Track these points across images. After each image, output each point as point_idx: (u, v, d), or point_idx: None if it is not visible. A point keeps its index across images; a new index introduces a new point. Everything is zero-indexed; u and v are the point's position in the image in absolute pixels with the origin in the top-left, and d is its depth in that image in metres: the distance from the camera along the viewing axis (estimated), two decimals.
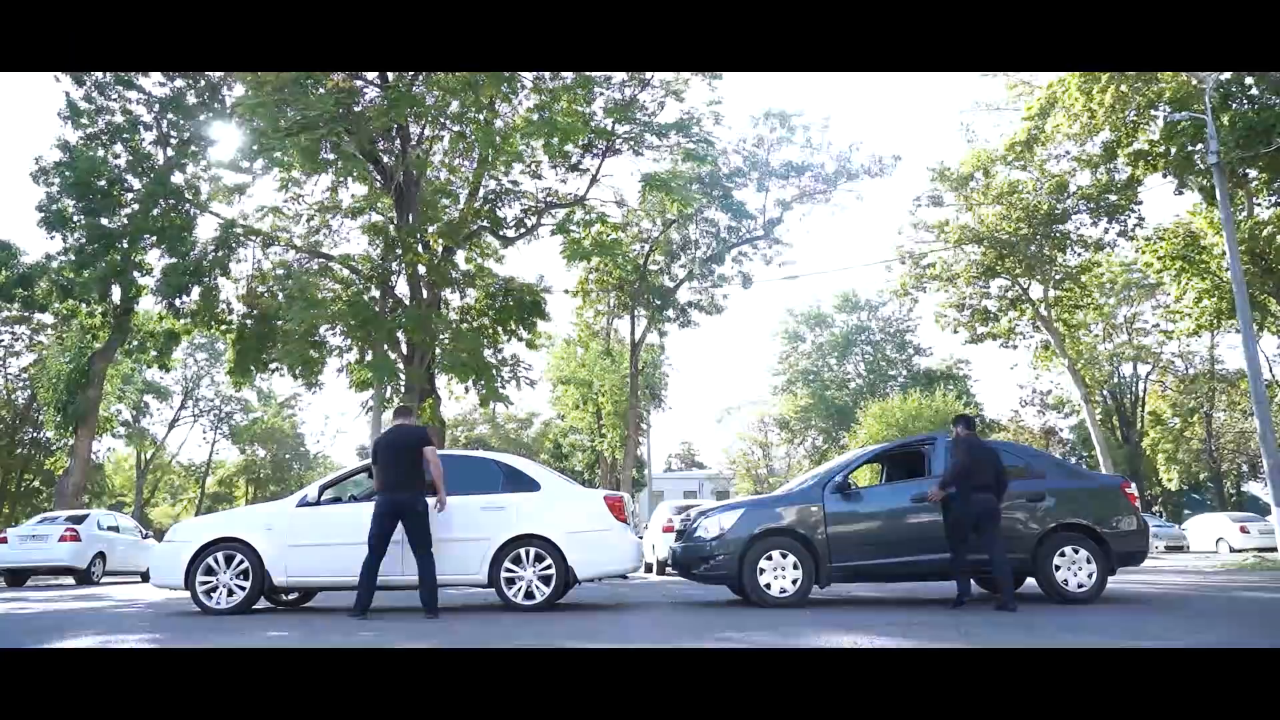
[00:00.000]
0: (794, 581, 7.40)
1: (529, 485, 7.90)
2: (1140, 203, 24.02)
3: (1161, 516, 42.97)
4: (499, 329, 22.31)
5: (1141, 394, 46.62)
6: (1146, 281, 36.64)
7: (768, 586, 7.38)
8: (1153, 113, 21.52)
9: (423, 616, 6.97)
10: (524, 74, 19.30)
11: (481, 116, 19.55)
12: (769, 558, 7.42)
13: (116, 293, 22.98)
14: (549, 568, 7.50)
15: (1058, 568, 7.48)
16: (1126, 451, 44.12)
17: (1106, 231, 25.12)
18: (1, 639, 5.78)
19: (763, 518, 7.63)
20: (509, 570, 7.52)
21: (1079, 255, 26.65)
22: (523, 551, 7.54)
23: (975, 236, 25.92)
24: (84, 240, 21.76)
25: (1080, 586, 7.43)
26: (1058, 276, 26.96)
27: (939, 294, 28.89)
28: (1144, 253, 24.57)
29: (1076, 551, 7.50)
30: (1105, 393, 46.22)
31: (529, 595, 7.46)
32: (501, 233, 22.70)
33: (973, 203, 25.92)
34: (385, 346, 20.24)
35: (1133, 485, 8.25)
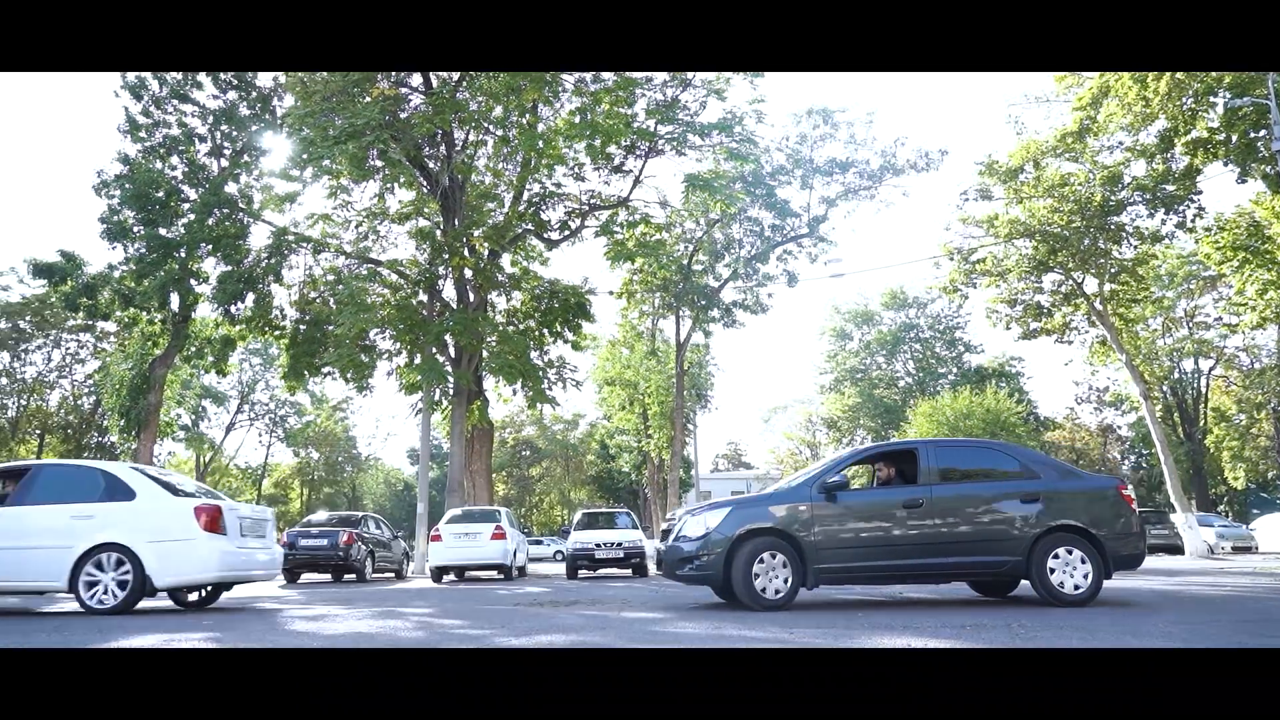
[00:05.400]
0: (785, 581, 7.16)
1: (125, 495, 8.11)
2: (1200, 192, 23.22)
3: (1227, 516, 41.59)
4: (545, 331, 22.49)
5: (1204, 389, 45.14)
6: (1207, 273, 35.48)
7: (762, 590, 7.12)
8: (1211, 99, 20.81)
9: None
10: (565, 77, 19.44)
11: (524, 120, 19.73)
12: (761, 560, 7.17)
13: (175, 300, 23.66)
14: (127, 573, 7.78)
15: (1052, 570, 7.23)
16: (1188, 449, 42.77)
17: (1164, 223, 24.35)
18: (72, 638, 5.99)
19: (750, 517, 7.37)
20: (90, 575, 7.84)
21: (1135, 248, 25.88)
22: (104, 558, 7.85)
23: (1026, 230, 25.33)
24: (144, 250, 22.43)
25: (1076, 589, 7.16)
26: (1113, 270, 26.20)
27: (989, 290, 28.31)
28: (1204, 244, 23.79)
29: (1071, 553, 7.26)
30: (1165, 389, 44.86)
31: (105, 600, 7.76)
32: (546, 235, 22.86)
33: (1023, 196, 25.36)
34: (433, 350, 20.53)
35: (1129, 487, 7.93)
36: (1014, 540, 7.29)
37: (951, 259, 27.64)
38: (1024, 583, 8.44)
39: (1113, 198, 24.12)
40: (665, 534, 8.16)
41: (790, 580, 7.16)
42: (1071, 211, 24.42)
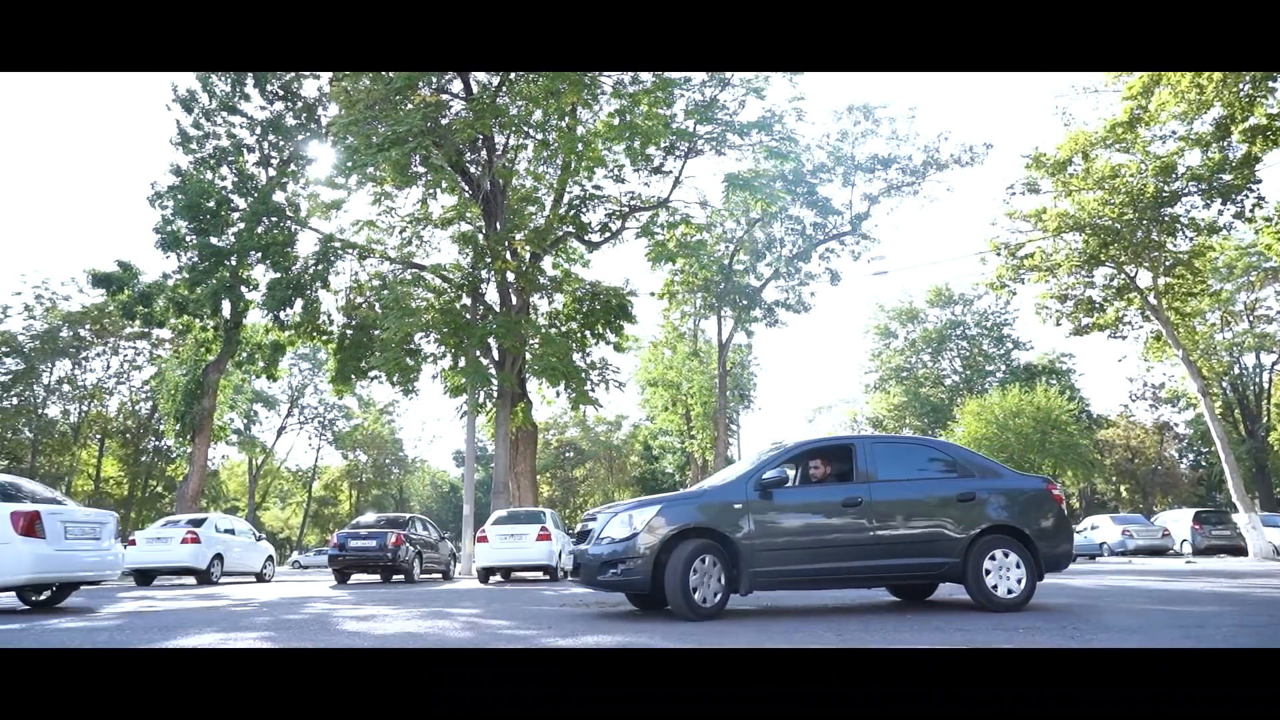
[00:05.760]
0: (720, 586, 6.59)
1: None
2: (1259, 181, 22.45)
3: None
4: (587, 333, 22.59)
5: (1266, 385, 43.72)
6: (1268, 265, 34.38)
7: (698, 596, 6.48)
8: (1270, 85, 20.12)
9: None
10: (603, 79, 19.51)
11: (564, 123, 19.84)
12: (703, 560, 6.55)
13: (226, 307, 24.26)
14: None
15: (988, 572, 6.91)
16: (1250, 447, 41.43)
17: (1221, 213, 23.59)
18: (133, 637, 6.15)
19: (682, 515, 6.73)
20: None
21: (1191, 239, 25.13)
22: None
23: (1075, 224, 24.75)
24: (196, 259, 23.05)
25: (1010, 592, 6.89)
26: (1168, 263, 25.48)
27: (1038, 285, 27.72)
28: (1264, 235, 23.02)
29: (1007, 556, 6.95)
30: (1225, 385, 43.53)
31: None
32: (586, 237, 22.96)
33: (1072, 189, 24.78)
34: (477, 353, 20.73)
35: (1059, 486, 7.68)
36: (952, 541, 6.95)
37: (998, 254, 27.15)
38: (942, 587, 8.27)
39: (1166, 188, 23.46)
40: (581, 535, 7.44)
41: (723, 586, 6.62)
42: (1123, 204, 23.81)
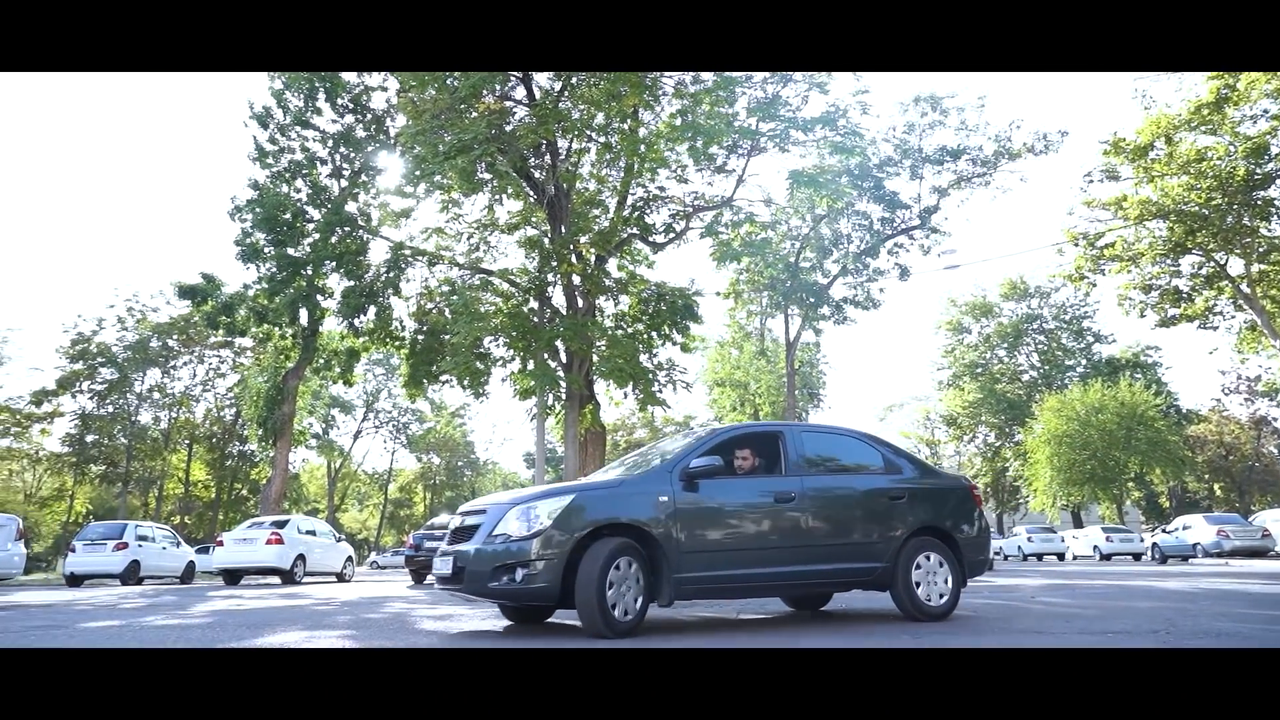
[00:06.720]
0: (637, 598, 5.56)
1: None
2: None
3: None
4: (653, 334, 22.59)
5: None
6: None
7: (613, 607, 5.40)
8: None
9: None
10: (665, 80, 19.53)
11: (626, 126, 19.92)
12: (622, 565, 5.49)
13: (304, 316, 25.08)
14: None
15: (916, 578, 6.37)
16: None
17: None
18: (224, 634, 6.39)
19: (601, 510, 5.65)
20: None
21: None
22: None
23: (1159, 211, 23.76)
24: (274, 269, 23.89)
25: (937, 599, 6.38)
26: (1262, 249, 24.23)
27: (1120, 275, 26.68)
28: None
29: (931, 559, 6.45)
30: None
31: None
32: (651, 238, 22.97)
33: (1154, 174, 23.78)
34: (545, 355, 20.94)
35: (979, 487, 7.25)
36: (883, 544, 6.37)
37: (1076, 245, 26.25)
38: (838, 597, 8.05)
39: (1259, 170, 22.35)
40: (461, 533, 6.05)
41: (641, 596, 5.57)
42: (1210, 188, 22.78)
